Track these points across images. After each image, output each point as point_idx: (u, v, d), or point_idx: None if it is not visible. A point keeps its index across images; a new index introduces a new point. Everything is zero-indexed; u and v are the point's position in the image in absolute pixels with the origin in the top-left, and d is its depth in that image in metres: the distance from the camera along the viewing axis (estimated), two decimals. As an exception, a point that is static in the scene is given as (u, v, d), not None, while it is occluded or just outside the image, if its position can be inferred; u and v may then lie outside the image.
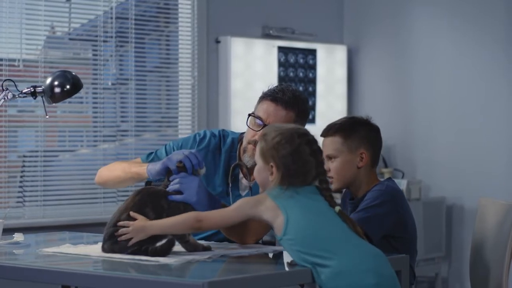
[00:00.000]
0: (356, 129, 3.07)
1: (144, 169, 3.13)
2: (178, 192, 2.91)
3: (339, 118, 3.21)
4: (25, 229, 3.85)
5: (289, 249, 2.68)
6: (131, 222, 2.81)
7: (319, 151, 2.74)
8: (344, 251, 2.62)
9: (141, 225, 2.79)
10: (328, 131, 3.11)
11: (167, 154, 3.28)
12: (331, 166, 3.08)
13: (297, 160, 2.70)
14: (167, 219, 2.81)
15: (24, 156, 5.23)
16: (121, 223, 2.81)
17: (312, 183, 2.72)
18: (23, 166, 5.20)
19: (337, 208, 2.70)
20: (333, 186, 3.09)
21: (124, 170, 3.23)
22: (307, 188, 2.71)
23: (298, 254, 2.66)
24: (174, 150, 3.30)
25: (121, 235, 2.79)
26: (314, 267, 2.63)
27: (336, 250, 2.62)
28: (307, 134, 2.75)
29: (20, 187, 5.17)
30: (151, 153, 3.40)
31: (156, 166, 3.03)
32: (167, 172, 2.97)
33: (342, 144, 3.07)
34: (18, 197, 5.16)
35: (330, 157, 3.08)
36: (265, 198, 2.71)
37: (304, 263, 2.65)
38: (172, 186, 2.92)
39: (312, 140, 2.74)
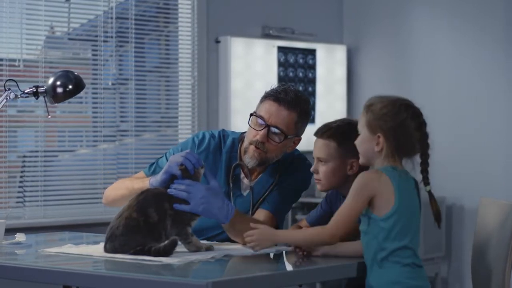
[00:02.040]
0: (351, 137, 2.92)
1: (146, 184, 3.10)
2: (184, 201, 2.90)
3: (337, 119, 3.14)
4: (25, 229, 3.84)
5: (372, 231, 2.70)
6: (259, 225, 2.84)
7: (424, 124, 2.75)
8: (408, 262, 2.69)
9: (270, 233, 2.80)
10: (323, 134, 3.04)
11: None
12: (320, 169, 3.03)
13: (404, 132, 2.72)
14: (297, 233, 2.81)
15: (24, 156, 5.22)
16: (252, 225, 2.84)
17: (416, 155, 2.75)
18: (23, 166, 5.19)
19: (428, 188, 2.76)
20: (319, 187, 3.07)
21: (128, 188, 3.20)
22: (410, 180, 2.75)
23: (374, 244, 2.69)
24: None
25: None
26: (374, 265, 2.69)
27: (403, 260, 2.69)
28: (412, 106, 2.77)
29: (21, 187, 5.16)
30: (153, 164, 3.38)
31: (158, 178, 3.00)
32: (171, 178, 2.97)
33: (335, 149, 3.01)
34: (19, 197, 5.15)
35: (320, 160, 3.04)
36: (381, 176, 2.71)
37: (371, 253, 2.69)
38: (178, 192, 2.91)
39: (418, 113, 2.76)
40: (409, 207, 2.73)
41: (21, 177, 5.18)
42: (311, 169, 3.07)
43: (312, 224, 3.12)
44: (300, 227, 3.10)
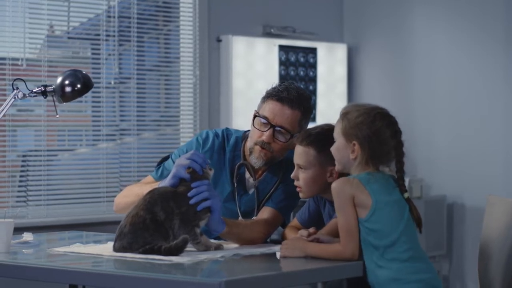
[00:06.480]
0: (330, 143, 2.90)
1: None
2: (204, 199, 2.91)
3: (318, 124, 3.11)
4: (28, 229, 3.83)
5: (362, 233, 2.73)
6: (293, 237, 2.89)
7: (399, 132, 2.79)
8: (406, 257, 2.72)
9: (302, 244, 2.81)
10: (302, 141, 3.02)
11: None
12: (301, 176, 3.02)
13: (379, 140, 2.75)
14: (325, 248, 2.78)
15: (25, 156, 5.21)
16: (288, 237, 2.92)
17: (391, 163, 2.79)
18: (26, 165, 5.19)
19: (406, 195, 2.77)
20: (301, 195, 3.07)
21: (138, 195, 3.13)
22: (388, 180, 2.78)
23: (368, 245, 2.72)
24: None
25: None
26: (372, 265, 2.72)
27: (400, 255, 2.72)
28: (388, 115, 2.80)
29: (24, 186, 5.16)
30: (159, 167, 3.36)
31: (167, 182, 2.97)
32: (180, 182, 2.95)
33: (314, 157, 2.99)
34: (22, 196, 5.14)
35: (300, 167, 3.02)
36: (352, 180, 2.75)
37: (368, 254, 2.72)
38: (198, 195, 2.91)
39: (393, 121, 2.79)
40: (390, 202, 2.73)
41: (23, 176, 5.17)
42: (292, 176, 3.05)
43: (304, 224, 3.14)
44: (296, 228, 3.11)
